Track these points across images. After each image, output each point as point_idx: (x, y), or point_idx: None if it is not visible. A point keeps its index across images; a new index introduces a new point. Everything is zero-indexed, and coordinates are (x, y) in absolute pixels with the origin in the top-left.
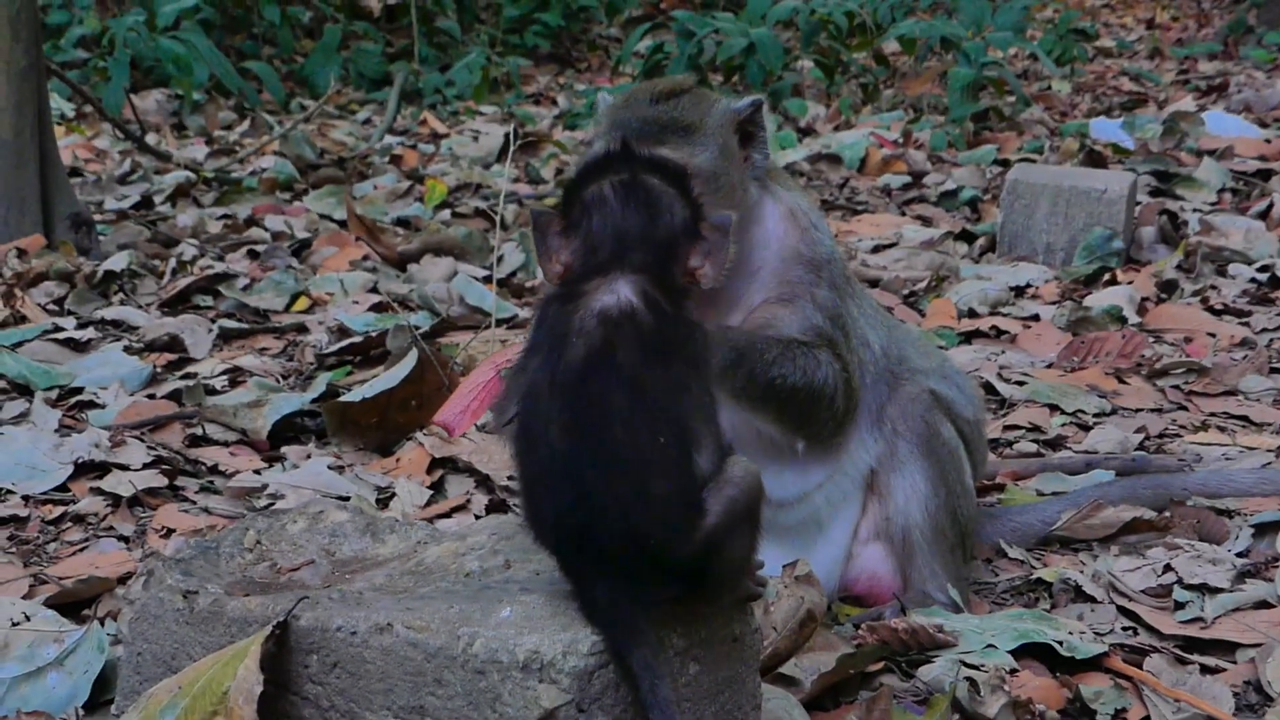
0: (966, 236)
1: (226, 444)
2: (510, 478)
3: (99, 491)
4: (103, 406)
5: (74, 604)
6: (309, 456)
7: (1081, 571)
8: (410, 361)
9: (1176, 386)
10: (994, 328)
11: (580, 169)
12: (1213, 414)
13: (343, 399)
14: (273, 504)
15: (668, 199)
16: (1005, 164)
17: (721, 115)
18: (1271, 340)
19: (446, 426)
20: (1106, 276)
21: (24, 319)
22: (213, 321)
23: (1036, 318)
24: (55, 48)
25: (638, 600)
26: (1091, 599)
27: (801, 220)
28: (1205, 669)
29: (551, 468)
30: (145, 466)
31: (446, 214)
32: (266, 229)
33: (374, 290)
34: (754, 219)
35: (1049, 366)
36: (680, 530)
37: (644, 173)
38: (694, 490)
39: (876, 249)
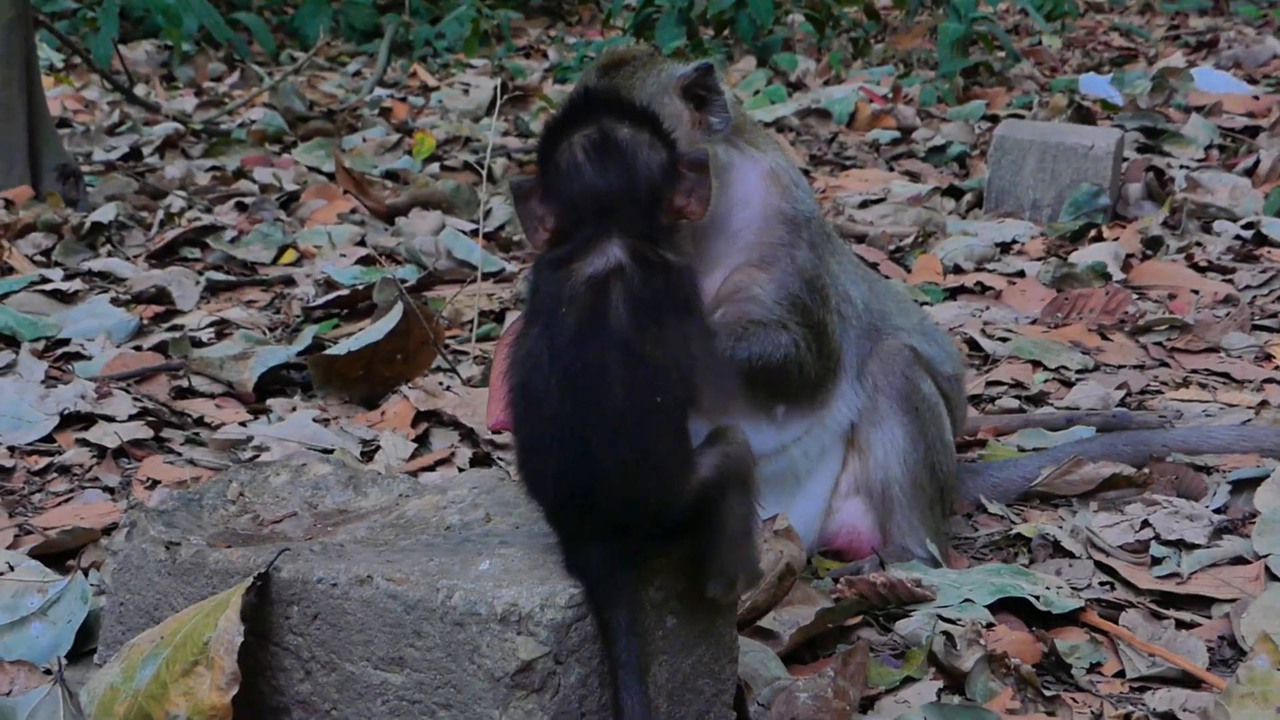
0: (954, 192)
1: (212, 396)
2: (495, 434)
3: (84, 443)
4: (89, 358)
5: (58, 554)
6: (294, 409)
7: (1060, 527)
8: (396, 315)
9: (1159, 343)
10: (979, 284)
11: (547, 126)
12: (1194, 371)
13: (328, 352)
14: (257, 456)
15: (640, 147)
16: (994, 119)
17: (661, 83)
18: (1254, 297)
19: (499, 428)
20: (1092, 233)
21: (11, 270)
22: (200, 274)
23: (1022, 274)
24: None
25: (632, 560)
26: (1069, 554)
27: (783, 178)
28: (1181, 624)
29: (552, 431)
30: (131, 418)
31: (435, 167)
32: (255, 181)
33: (361, 243)
34: (730, 180)
35: (1033, 323)
36: (676, 487)
37: (611, 123)
38: (688, 446)
39: (864, 204)
